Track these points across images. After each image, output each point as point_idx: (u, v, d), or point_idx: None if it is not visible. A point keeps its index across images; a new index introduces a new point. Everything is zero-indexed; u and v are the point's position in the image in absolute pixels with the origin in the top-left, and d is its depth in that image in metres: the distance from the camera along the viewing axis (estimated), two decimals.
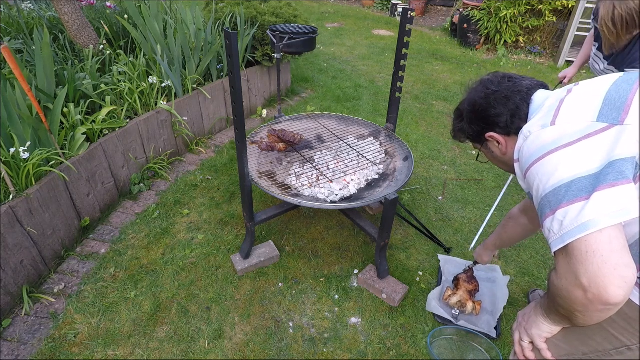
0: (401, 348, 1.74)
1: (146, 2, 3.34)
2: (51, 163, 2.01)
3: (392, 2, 7.88)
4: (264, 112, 3.74)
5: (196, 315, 1.85)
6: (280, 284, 2.02)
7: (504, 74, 1.08)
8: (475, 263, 1.91)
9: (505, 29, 5.44)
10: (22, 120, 1.96)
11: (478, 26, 5.62)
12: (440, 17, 7.77)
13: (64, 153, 2.12)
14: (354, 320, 1.86)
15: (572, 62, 3.09)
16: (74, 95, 2.45)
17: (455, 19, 6.14)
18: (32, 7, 3.59)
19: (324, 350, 1.73)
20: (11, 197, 1.80)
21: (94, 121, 2.38)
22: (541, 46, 5.60)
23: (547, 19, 5.25)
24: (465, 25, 5.80)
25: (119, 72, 2.82)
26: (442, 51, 5.82)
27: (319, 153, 2.21)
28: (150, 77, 2.79)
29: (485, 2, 5.48)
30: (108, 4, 3.63)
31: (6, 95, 1.93)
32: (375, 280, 1.97)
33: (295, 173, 2.08)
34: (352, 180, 2.05)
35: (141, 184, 2.62)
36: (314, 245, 2.27)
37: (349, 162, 2.12)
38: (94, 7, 3.65)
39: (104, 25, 3.24)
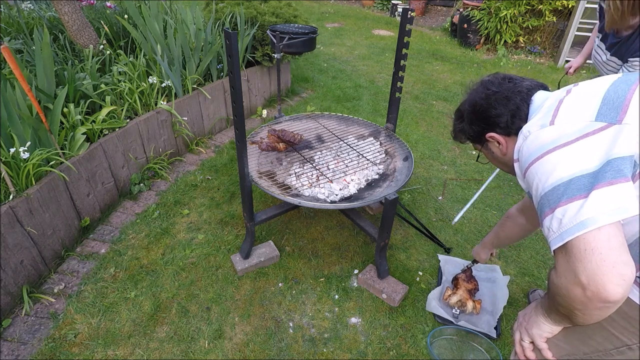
0: (401, 348, 1.74)
1: (146, 2, 3.34)
2: (51, 163, 2.01)
3: (392, 2, 7.88)
4: (264, 112, 3.74)
5: (196, 315, 1.85)
6: (280, 284, 2.02)
7: (504, 75, 1.09)
8: (474, 262, 1.91)
9: (505, 29, 5.44)
10: (22, 120, 1.96)
11: (478, 26, 5.62)
12: (440, 17, 7.77)
13: (64, 153, 2.12)
14: (354, 320, 1.86)
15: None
16: (74, 95, 2.45)
17: (455, 19, 6.14)
18: (32, 7, 3.59)
19: (324, 350, 1.73)
20: (11, 197, 1.80)
21: (94, 121, 2.38)
22: (541, 46, 5.60)
23: (547, 19, 5.25)
24: (465, 25, 5.80)
25: (119, 72, 2.82)
26: (442, 51, 5.82)
27: (319, 153, 2.21)
28: (150, 77, 2.79)
29: (485, 2, 5.48)
30: (108, 4, 3.63)
31: (6, 95, 1.93)
32: (375, 280, 1.98)
33: (295, 173, 2.09)
34: (352, 180, 2.05)
35: (141, 184, 2.62)
36: (314, 245, 2.27)
37: (349, 162, 2.12)
38: (94, 7, 3.65)
39: (104, 25, 3.24)
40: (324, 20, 7.45)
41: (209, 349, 1.71)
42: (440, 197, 2.70)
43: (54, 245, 2.03)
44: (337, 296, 1.97)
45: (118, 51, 3.08)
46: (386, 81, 4.65)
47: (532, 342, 0.99)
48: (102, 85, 2.58)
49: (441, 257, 2.18)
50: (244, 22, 3.41)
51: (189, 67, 3.05)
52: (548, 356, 0.97)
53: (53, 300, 1.88)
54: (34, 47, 2.69)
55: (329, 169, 2.06)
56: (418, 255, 2.22)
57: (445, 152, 3.23)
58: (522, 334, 1.01)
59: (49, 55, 2.19)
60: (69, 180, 2.07)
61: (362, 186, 2.05)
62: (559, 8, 5.16)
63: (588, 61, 2.56)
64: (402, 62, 2.03)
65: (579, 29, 5.07)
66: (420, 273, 2.11)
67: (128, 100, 2.65)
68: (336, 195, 1.94)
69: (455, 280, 1.94)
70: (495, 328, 1.79)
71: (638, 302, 0.84)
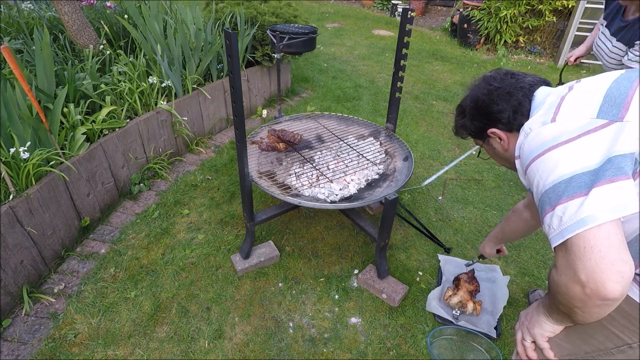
0: (401, 348, 1.74)
1: (146, 2, 3.34)
2: (51, 163, 2.01)
3: (392, 2, 7.88)
4: (264, 112, 3.74)
5: (196, 315, 1.85)
6: (280, 284, 2.02)
7: (506, 71, 1.08)
8: (481, 257, 1.88)
9: (505, 29, 5.44)
10: (22, 120, 1.96)
11: (478, 26, 5.62)
12: (440, 17, 7.77)
13: (64, 153, 2.12)
14: (354, 320, 1.86)
15: (577, 65, 3.08)
16: (74, 95, 2.45)
17: (455, 19, 6.14)
18: (32, 7, 3.59)
19: (324, 350, 1.73)
20: (11, 197, 1.80)
21: (94, 121, 2.38)
22: (541, 46, 5.60)
23: (547, 19, 5.25)
24: (465, 25, 5.80)
25: (119, 72, 2.82)
26: (442, 51, 5.82)
27: (319, 153, 2.21)
28: (150, 77, 2.79)
29: (485, 2, 5.48)
30: (108, 4, 3.63)
31: (6, 95, 1.93)
32: (375, 280, 1.97)
33: (295, 173, 2.08)
34: (352, 180, 2.05)
35: (141, 184, 2.62)
36: (314, 245, 2.27)
37: (349, 162, 2.12)
38: (94, 7, 3.65)
39: (104, 25, 3.24)
40: (324, 20, 7.45)
41: (209, 349, 1.71)
42: (440, 197, 2.70)
43: (54, 245, 2.03)
44: (337, 296, 1.97)
45: (118, 51, 3.08)
46: (386, 81, 4.65)
47: (534, 342, 0.99)
48: (102, 85, 2.58)
49: (441, 257, 2.18)
50: (244, 22, 3.41)
51: (189, 67, 3.05)
52: (550, 356, 0.97)
53: (53, 300, 1.88)
54: (34, 47, 2.69)
55: (329, 169, 2.06)
56: (418, 255, 2.22)
57: (445, 152, 3.23)
58: (524, 333, 1.01)
59: (49, 55, 2.19)
60: (69, 180, 2.07)
61: (362, 186, 2.05)
62: (559, 8, 5.16)
63: (588, 61, 2.55)
64: (402, 62, 2.03)
65: (579, 29, 5.07)
66: (420, 273, 2.11)
67: (128, 100, 2.65)
68: (336, 195, 1.94)
69: (456, 281, 1.94)
70: (495, 328, 1.79)
71: (638, 301, 0.84)
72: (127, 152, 2.51)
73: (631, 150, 0.74)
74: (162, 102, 2.77)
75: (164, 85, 2.82)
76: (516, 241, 1.85)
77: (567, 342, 0.96)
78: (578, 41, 5.19)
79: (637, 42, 1.84)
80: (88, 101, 2.47)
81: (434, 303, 1.87)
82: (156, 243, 2.24)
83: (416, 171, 2.96)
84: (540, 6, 5.18)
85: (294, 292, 1.99)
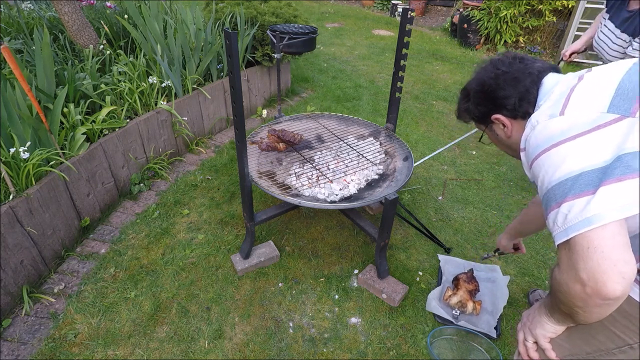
0: (401, 348, 1.74)
1: (146, 2, 3.34)
2: (51, 163, 2.01)
3: (392, 2, 7.88)
4: (264, 112, 3.74)
5: (196, 315, 1.85)
6: (280, 284, 2.02)
7: (515, 55, 1.04)
8: (497, 250, 1.83)
9: (505, 29, 5.44)
10: (22, 120, 1.96)
11: (478, 26, 5.62)
12: (440, 17, 7.77)
13: (64, 153, 2.12)
14: (354, 320, 1.86)
15: (572, 62, 3.07)
16: (74, 95, 2.45)
17: (455, 19, 6.14)
18: (32, 7, 3.59)
19: (324, 350, 1.73)
20: (11, 197, 1.80)
21: (94, 121, 2.38)
22: (541, 46, 5.60)
23: (547, 19, 5.25)
24: (465, 25, 5.80)
25: (119, 72, 2.82)
26: (442, 51, 5.82)
27: (319, 153, 2.21)
28: (150, 77, 2.79)
29: (485, 2, 5.48)
30: (108, 4, 3.63)
31: (6, 95, 1.93)
32: (375, 280, 1.97)
33: (295, 173, 2.08)
34: (352, 180, 2.05)
35: (141, 184, 2.62)
36: (314, 245, 2.27)
37: (349, 162, 2.12)
38: (94, 7, 3.65)
39: (104, 25, 3.24)
40: (324, 20, 7.45)
41: (209, 349, 1.71)
42: (440, 197, 2.70)
43: (54, 245, 2.03)
44: (337, 296, 1.97)
45: (118, 51, 3.08)
46: (386, 81, 4.65)
47: (536, 342, 0.99)
48: (102, 85, 2.58)
49: (441, 257, 2.18)
50: (244, 22, 3.41)
51: (189, 67, 3.05)
52: (552, 356, 0.97)
53: (53, 300, 1.88)
54: (34, 47, 2.69)
55: (329, 169, 2.06)
56: (418, 255, 2.22)
57: (445, 152, 3.23)
58: (526, 334, 1.01)
59: (49, 55, 2.19)
60: (69, 180, 2.07)
61: (362, 186, 2.05)
62: (559, 8, 5.16)
63: (587, 61, 2.54)
64: (402, 62, 2.03)
65: (579, 29, 5.07)
66: (420, 273, 2.11)
67: (128, 100, 2.65)
68: (336, 195, 1.94)
69: (456, 281, 1.94)
70: (495, 328, 1.79)
71: (639, 300, 0.84)
72: (127, 152, 2.51)
73: None
74: (162, 102, 2.77)
75: (164, 85, 2.82)
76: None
77: (569, 343, 0.96)
78: None
79: None
80: (88, 101, 2.47)
81: (434, 303, 1.87)
82: (156, 243, 2.24)
83: (416, 171, 2.96)
84: (540, 6, 5.18)
85: (294, 292, 1.99)
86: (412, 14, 1.89)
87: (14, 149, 1.87)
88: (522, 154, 0.95)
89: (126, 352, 1.69)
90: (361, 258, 2.19)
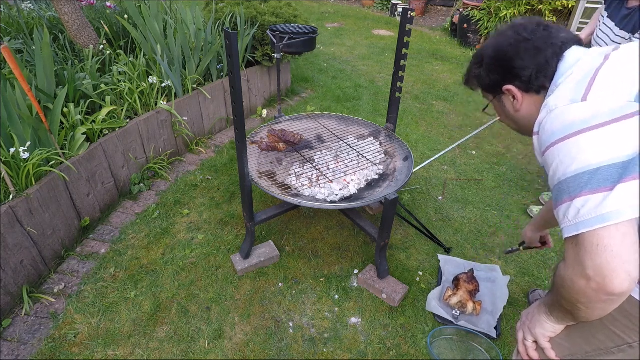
0: (401, 348, 1.74)
1: (146, 2, 3.34)
2: (51, 163, 2.01)
3: (392, 2, 7.88)
4: (264, 112, 3.74)
5: (196, 315, 1.85)
6: (280, 284, 2.02)
7: (539, 21, 0.95)
8: (521, 245, 1.76)
9: None
10: (22, 120, 1.96)
11: (478, 26, 5.62)
12: (440, 17, 7.77)
13: (64, 153, 2.12)
14: (354, 320, 1.86)
15: None
16: (74, 95, 2.45)
17: (455, 19, 6.14)
18: (32, 7, 3.59)
19: (324, 350, 1.73)
20: (11, 197, 1.80)
21: (94, 121, 2.38)
22: None
23: (547, 19, 5.25)
24: (465, 25, 5.80)
25: (119, 72, 2.82)
26: (442, 51, 5.82)
27: (319, 153, 2.21)
28: (150, 77, 2.79)
29: (485, 2, 5.48)
30: (108, 4, 3.63)
31: (6, 95, 1.93)
32: (375, 280, 1.97)
33: (295, 173, 2.08)
34: (352, 180, 2.05)
35: (141, 184, 2.62)
36: (314, 245, 2.27)
37: (349, 162, 2.12)
38: (94, 7, 3.65)
39: (104, 25, 3.24)
40: (324, 20, 7.45)
41: (209, 349, 1.71)
42: (440, 197, 2.70)
43: (54, 245, 2.03)
44: (337, 296, 1.97)
45: (118, 51, 3.08)
46: (386, 81, 4.65)
47: (535, 342, 0.99)
48: (102, 85, 2.58)
49: (441, 257, 2.18)
50: (244, 22, 3.41)
51: (189, 67, 3.05)
52: (552, 356, 0.96)
53: (53, 300, 1.88)
54: (34, 47, 2.69)
55: (329, 169, 2.06)
56: (418, 255, 2.22)
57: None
58: (525, 333, 1.01)
59: (49, 55, 2.19)
60: (69, 180, 2.07)
61: (362, 186, 2.05)
62: (559, 8, 5.17)
63: None
64: (402, 62, 2.03)
65: (578, 29, 5.06)
66: (420, 273, 2.11)
67: (128, 100, 2.65)
68: (336, 195, 1.94)
69: (456, 281, 1.94)
70: (495, 328, 1.79)
71: (639, 299, 0.84)
72: (127, 152, 2.51)
73: None
74: (162, 102, 2.77)
75: (164, 85, 2.82)
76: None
77: (568, 342, 0.96)
78: None
79: None
80: (88, 101, 2.47)
81: (434, 303, 1.87)
82: (156, 243, 2.24)
83: (416, 171, 2.96)
84: (540, 6, 5.18)
85: (294, 292, 1.99)
86: (412, 14, 1.89)
87: (14, 149, 1.87)
88: (534, 138, 0.89)
89: (126, 352, 1.69)
90: (361, 258, 2.19)
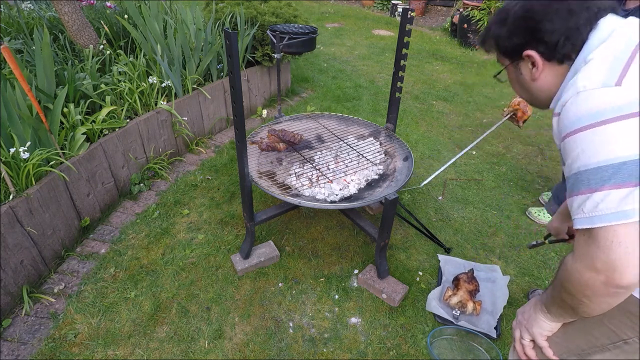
0: (401, 348, 1.74)
1: (146, 2, 3.34)
2: (51, 163, 2.01)
3: (392, 2, 7.88)
4: (264, 112, 3.74)
5: (196, 315, 1.85)
6: (280, 284, 2.02)
7: None
8: (546, 238, 1.62)
9: None
10: (22, 120, 1.96)
11: (478, 26, 5.62)
12: (440, 17, 7.77)
13: (64, 153, 2.12)
14: (354, 320, 1.86)
15: None
16: (74, 95, 2.45)
17: (455, 19, 6.14)
18: (32, 7, 3.59)
19: (324, 350, 1.73)
20: (11, 197, 1.80)
21: (94, 121, 2.38)
22: None
23: None
24: (465, 25, 5.80)
25: (119, 72, 2.82)
26: (442, 51, 5.82)
27: (319, 153, 2.21)
28: (150, 77, 2.79)
29: (485, 2, 5.48)
30: (108, 4, 3.63)
31: (6, 95, 1.93)
32: (375, 280, 1.97)
33: (295, 173, 2.08)
34: (352, 180, 2.05)
35: (141, 184, 2.62)
36: (314, 245, 2.27)
37: (349, 162, 2.12)
38: (94, 7, 3.65)
39: (104, 25, 3.24)
40: (324, 20, 7.45)
41: (209, 349, 1.71)
42: (440, 197, 2.70)
43: (54, 245, 2.03)
44: (337, 296, 1.97)
45: (118, 51, 3.08)
46: (386, 81, 4.65)
47: (532, 341, 0.99)
48: (102, 85, 2.58)
49: (441, 257, 2.18)
50: (244, 22, 3.41)
51: (189, 67, 3.05)
52: (549, 354, 0.96)
53: (53, 300, 1.88)
54: (34, 47, 2.69)
55: (329, 169, 2.06)
56: (418, 255, 2.22)
57: (445, 152, 3.23)
58: (522, 332, 1.00)
59: (49, 55, 2.19)
60: (69, 180, 2.07)
61: (362, 186, 2.05)
62: None
63: None
64: (402, 62, 2.03)
65: None
66: (420, 273, 2.11)
67: (128, 100, 2.65)
68: (336, 195, 1.94)
69: (456, 281, 1.94)
70: (495, 328, 1.79)
71: (637, 297, 0.84)
72: (127, 152, 2.51)
73: None
74: (162, 102, 2.77)
75: (164, 85, 2.82)
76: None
77: (564, 340, 0.95)
78: None
79: None
80: (88, 101, 2.47)
81: (434, 303, 1.87)
82: (156, 243, 2.24)
83: (416, 171, 2.96)
84: None
85: (294, 292, 1.99)
86: (412, 14, 1.89)
87: (14, 149, 1.87)
88: (554, 120, 0.83)
89: (126, 352, 1.69)
90: (361, 258, 2.19)
